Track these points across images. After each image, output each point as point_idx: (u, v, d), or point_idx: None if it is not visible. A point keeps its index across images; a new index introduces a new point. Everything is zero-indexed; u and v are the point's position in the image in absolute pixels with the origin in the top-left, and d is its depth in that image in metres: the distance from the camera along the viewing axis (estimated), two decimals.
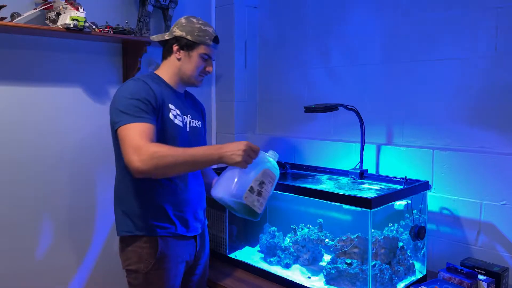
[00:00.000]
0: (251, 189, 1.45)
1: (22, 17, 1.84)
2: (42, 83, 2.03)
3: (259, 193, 1.47)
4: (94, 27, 1.99)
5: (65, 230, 2.14)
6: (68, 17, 1.84)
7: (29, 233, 2.03)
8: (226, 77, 2.67)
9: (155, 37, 1.67)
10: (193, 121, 1.66)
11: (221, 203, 1.55)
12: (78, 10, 1.85)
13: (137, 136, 1.37)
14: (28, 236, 2.03)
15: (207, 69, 1.63)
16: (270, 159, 1.55)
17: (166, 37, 1.61)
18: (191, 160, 1.39)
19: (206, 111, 1.87)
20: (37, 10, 1.89)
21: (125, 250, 1.57)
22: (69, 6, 1.85)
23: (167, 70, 1.63)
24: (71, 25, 1.83)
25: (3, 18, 1.78)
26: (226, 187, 1.48)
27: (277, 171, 1.55)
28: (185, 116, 1.62)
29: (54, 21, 1.90)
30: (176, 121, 1.56)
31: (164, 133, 1.51)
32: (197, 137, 1.67)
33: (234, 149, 1.39)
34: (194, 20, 1.61)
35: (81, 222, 2.20)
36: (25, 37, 1.96)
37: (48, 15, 1.92)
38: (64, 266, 2.14)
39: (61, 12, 1.87)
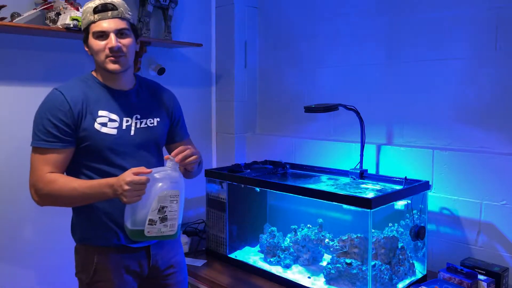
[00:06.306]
0: (151, 222, 1.34)
1: (22, 17, 1.84)
2: (42, 83, 2.03)
3: (163, 219, 1.35)
4: None
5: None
6: (68, 17, 1.84)
7: (26, 233, 2.03)
8: (226, 77, 2.67)
9: None
10: (143, 121, 1.52)
11: None
12: (78, 10, 1.85)
13: (39, 167, 1.37)
14: (25, 235, 2.03)
15: (108, 46, 1.42)
16: (168, 173, 1.37)
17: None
18: (84, 199, 1.38)
19: (177, 101, 1.68)
20: (37, 10, 1.89)
21: (76, 258, 1.52)
22: (69, 6, 1.85)
23: (96, 67, 1.51)
24: (71, 25, 1.83)
25: (3, 18, 1.78)
26: (126, 226, 1.38)
27: (178, 184, 1.38)
28: (127, 119, 1.48)
29: (54, 21, 1.90)
30: (105, 130, 1.42)
31: (92, 146, 1.41)
32: (151, 139, 1.53)
33: (119, 190, 1.29)
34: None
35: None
36: (25, 37, 1.96)
37: (48, 15, 1.92)
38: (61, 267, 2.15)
39: (61, 12, 1.87)
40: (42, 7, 1.90)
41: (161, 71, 2.36)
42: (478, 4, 1.80)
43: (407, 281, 1.76)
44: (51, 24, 1.91)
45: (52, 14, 1.90)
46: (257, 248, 2.14)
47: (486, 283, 1.61)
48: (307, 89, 2.45)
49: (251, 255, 2.09)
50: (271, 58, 2.63)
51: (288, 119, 2.54)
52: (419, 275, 1.82)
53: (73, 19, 1.83)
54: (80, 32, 1.87)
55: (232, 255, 2.08)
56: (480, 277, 1.64)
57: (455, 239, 1.88)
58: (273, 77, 2.63)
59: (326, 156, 2.28)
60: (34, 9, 1.89)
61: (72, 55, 2.11)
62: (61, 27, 1.86)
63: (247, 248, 2.16)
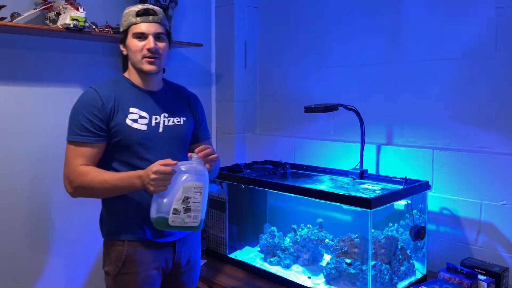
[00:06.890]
0: (176, 211, 1.40)
1: (22, 17, 1.84)
2: (42, 83, 2.03)
3: (187, 209, 1.41)
4: (94, 27, 1.99)
5: (64, 231, 2.14)
6: (68, 17, 1.84)
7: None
8: (226, 77, 2.67)
9: None
10: (171, 120, 1.59)
11: None
12: (78, 10, 1.85)
13: (73, 160, 1.45)
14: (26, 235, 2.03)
15: (146, 47, 1.50)
16: (193, 166, 1.43)
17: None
18: (115, 190, 1.45)
19: (201, 104, 1.75)
20: (37, 10, 1.89)
21: (103, 251, 1.57)
22: (69, 6, 1.85)
23: (129, 68, 1.59)
24: (71, 25, 1.83)
25: (3, 18, 1.78)
26: (151, 214, 1.43)
27: (202, 177, 1.44)
28: (156, 117, 1.56)
29: (54, 21, 1.90)
30: (136, 126, 1.50)
31: (123, 141, 1.48)
32: (177, 136, 1.60)
33: (146, 179, 1.37)
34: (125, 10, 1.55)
35: (82, 222, 2.20)
36: (25, 37, 1.96)
37: (48, 15, 1.92)
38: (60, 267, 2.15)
39: (61, 12, 1.87)
40: (42, 7, 1.90)
41: None
42: (478, 4, 1.80)
43: (407, 281, 1.76)
44: (51, 24, 1.91)
45: (52, 14, 1.90)
46: (257, 248, 2.14)
47: (486, 283, 1.61)
48: (307, 89, 2.45)
49: (251, 255, 2.09)
50: (271, 58, 2.63)
51: (288, 119, 2.54)
52: (419, 275, 1.82)
53: (73, 19, 1.83)
54: (80, 32, 1.89)
55: (232, 255, 2.08)
56: (480, 277, 1.64)
57: (455, 239, 1.88)
58: (273, 77, 2.63)
59: (326, 156, 2.28)
60: (34, 9, 1.89)
61: (72, 55, 2.11)
62: (61, 27, 1.85)
63: (247, 248, 2.16)
